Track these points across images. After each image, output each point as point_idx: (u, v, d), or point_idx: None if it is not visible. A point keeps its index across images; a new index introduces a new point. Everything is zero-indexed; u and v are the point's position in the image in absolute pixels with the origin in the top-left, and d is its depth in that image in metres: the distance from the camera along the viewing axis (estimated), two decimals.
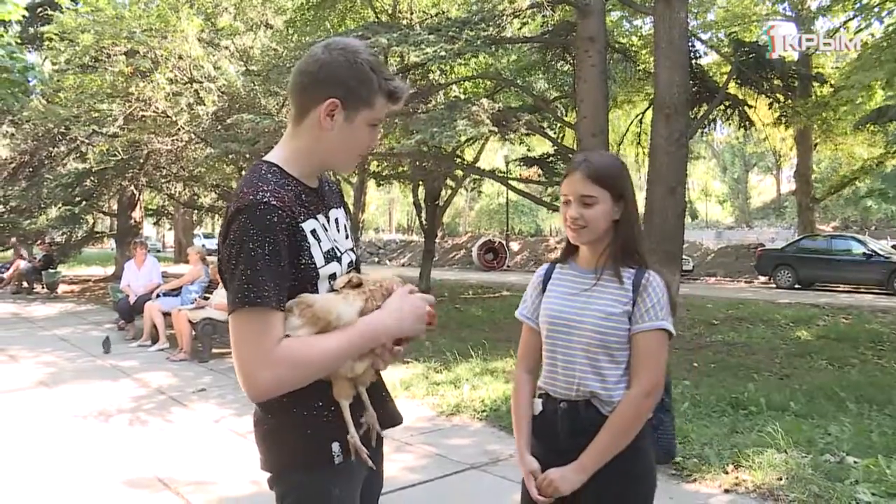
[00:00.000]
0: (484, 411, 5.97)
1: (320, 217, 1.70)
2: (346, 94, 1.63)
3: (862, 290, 18.93)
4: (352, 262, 1.81)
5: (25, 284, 17.84)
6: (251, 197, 1.54)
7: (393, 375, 7.29)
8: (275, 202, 1.54)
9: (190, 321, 8.85)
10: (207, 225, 44.07)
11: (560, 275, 2.20)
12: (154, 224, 39.09)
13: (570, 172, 2.09)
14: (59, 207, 18.54)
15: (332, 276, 1.68)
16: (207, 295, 9.66)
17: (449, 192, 18.08)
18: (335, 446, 1.67)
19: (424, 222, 17.31)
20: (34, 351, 9.34)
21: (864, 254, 18.92)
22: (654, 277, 2.05)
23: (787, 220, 47.70)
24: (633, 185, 2.18)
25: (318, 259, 1.64)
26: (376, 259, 36.76)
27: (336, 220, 1.79)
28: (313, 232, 1.64)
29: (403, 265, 33.66)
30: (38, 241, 18.70)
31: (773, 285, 20.47)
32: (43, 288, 17.85)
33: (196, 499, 4.14)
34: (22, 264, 18.05)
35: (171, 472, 4.57)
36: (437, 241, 22.06)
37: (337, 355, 1.60)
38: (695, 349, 9.28)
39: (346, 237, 1.83)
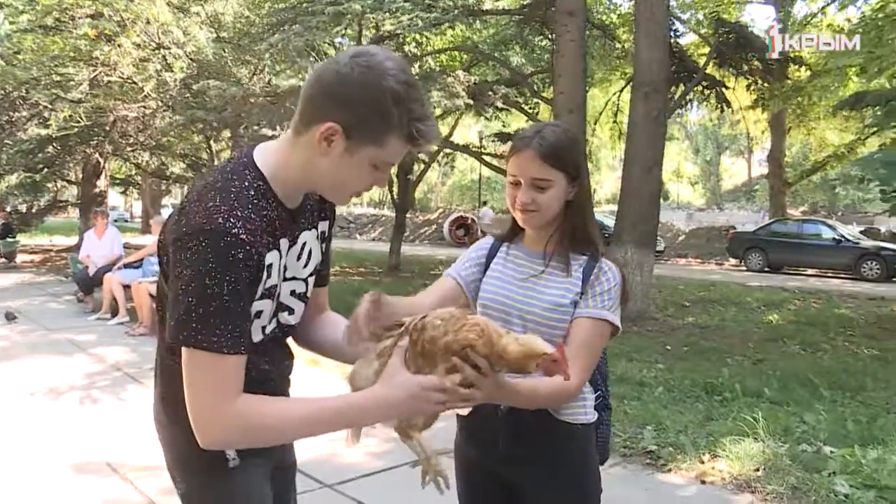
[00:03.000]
0: None
1: (283, 243, 1.48)
2: (351, 123, 1.37)
3: (829, 274, 19.08)
4: (302, 293, 1.62)
5: None
6: (219, 220, 1.32)
7: None
8: (244, 236, 1.33)
9: (151, 294, 8.53)
10: (176, 195, 43.27)
11: (506, 255, 1.96)
12: (122, 193, 38.29)
13: (520, 149, 1.80)
14: (20, 174, 17.92)
15: (258, 314, 1.47)
16: None
17: (422, 166, 17.83)
18: (230, 450, 1.52)
19: (396, 197, 17.05)
20: None
21: (834, 239, 19.07)
22: (609, 267, 1.83)
23: (757, 203, 48.13)
24: (587, 161, 1.96)
25: (258, 295, 1.45)
26: (347, 233, 36.41)
27: (303, 245, 1.56)
28: (269, 266, 1.43)
29: (374, 239, 33.37)
30: None
31: (744, 268, 20.57)
32: (0, 257, 17.29)
33: (145, 485, 3.90)
34: None
35: (120, 455, 4.33)
36: (408, 215, 21.81)
37: (301, 428, 1.43)
38: (667, 331, 9.18)
39: (306, 265, 1.60)
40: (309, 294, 1.65)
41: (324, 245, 1.68)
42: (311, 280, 1.64)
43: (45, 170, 17.79)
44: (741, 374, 6.46)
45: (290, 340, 1.70)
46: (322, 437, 1.58)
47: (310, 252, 1.60)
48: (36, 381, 6.11)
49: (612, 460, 4.37)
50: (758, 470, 4.11)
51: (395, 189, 17.13)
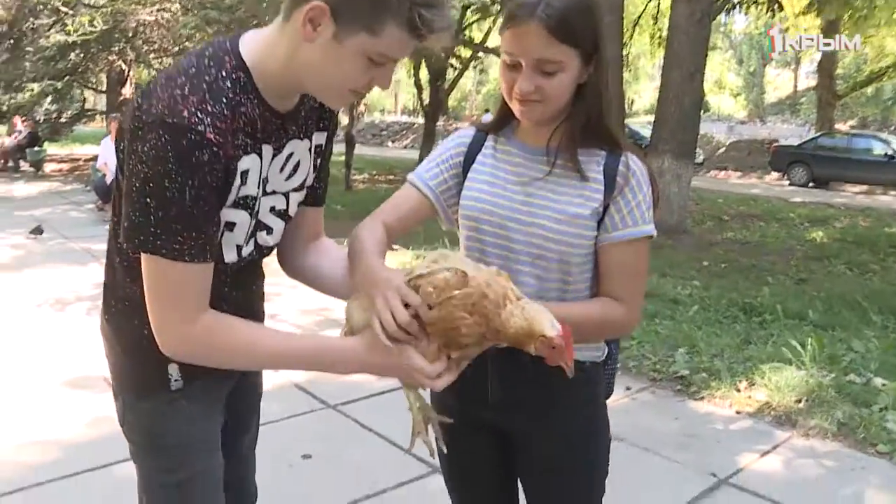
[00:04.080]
0: None
1: (266, 149, 1.27)
2: (340, 3, 1.13)
3: (878, 191, 18.21)
4: (282, 210, 1.38)
5: (11, 164, 17.19)
6: (184, 113, 1.11)
7: None
8: (211, 135, 1.12)
9: None
10: None
11: (495, 151, 1.52)
12: None
13: (519, 21, 1.33)
14: (43, 82, 17.66)
15: (230, 226, 1.27)
16: None
17: (454, 73, 17.26)
18: (172, 368, 1.34)
19: (426, 103, 16.57)
20: (5, 232, 8.85)
21: (886, 154, 18.10)
22: (637, 165, 1.42)
23: (802, 116, 46.29)
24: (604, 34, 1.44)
25: (230, 202, 1.25)
26: (378, 141, 36.04)
27: (289, 156, 1.34)
28: (245, 173, 1.23)
29: (406, 147, 32.90)
30: (24, 119, 17.89)
31: (786, 182, 19.75)
32: (29, 166, 17.22)
33: None
34: (7, 142, 17.35)
35: None
36: (440, 123, 21.25)
37: (269, 361, 1.35)
38: (704, 247, 8.75)
39: (289, 178, 1.36)
40: (290, 212, 1.41)
41: (318, 160, 1.45)
42: (294, 196, 1.40)
43: (68, 77, 17.45)
44: (782, 295, 6.03)
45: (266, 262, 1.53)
46: None
47: (297, 164, 1.36)
48: (45, 291, 5.93)
49: (639, 384, 4.07)
50: (800, 401, 3.76)
51: (424, 96, 16.68)
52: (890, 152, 18.10)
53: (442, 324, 1.20)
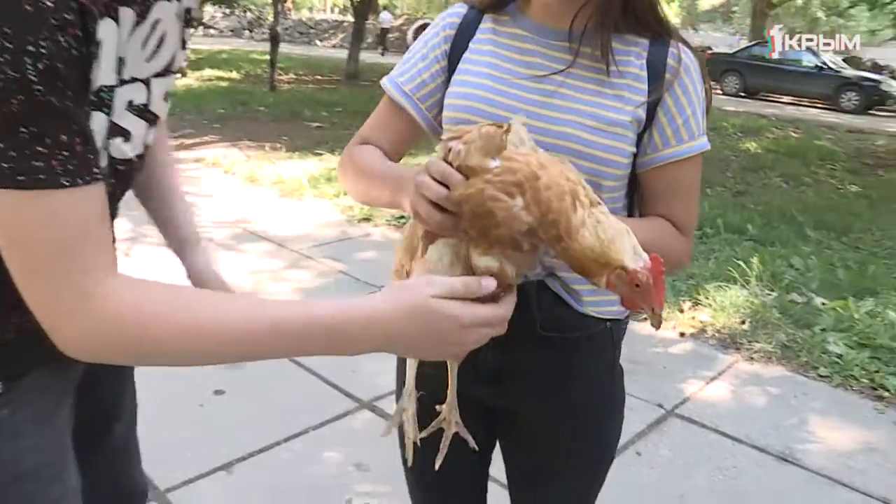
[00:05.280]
0: (403, 217, 5.14)
1: (126, 14, 0.74)
2: None
3: (805, 103, 18.39)
4: (142, 105, 0.84)
5: None
6: None
7: (301, 168, 6.38)
8: None
9: None
10: None
11: (495, 35, 1.11)
12: None
13: None
14: None
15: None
16: None
17: None
18: None
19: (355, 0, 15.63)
20: None
21: (816, 66, 18.18)
22: (687, 55, 1.05)
23: (734, 25, 46.40)
24: None
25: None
26: (306, 39, 34.39)
27: (155, 24, 0.81)
28: (99, 45, 0.70)
29: (335, 46, 31.55)
30: None
31: (719, 91, 19.73)
32: None
33: None
34: None
35: None
36: (370, 22, 20.24)
37: (225, 345, 0.74)
38: None
39: (151, 57, 0.83)
40: (154, 108, 0.88)
41: (187, 31, 0.93)
42: (158, 84, 0.88)
43: None
44: (722, 208, 5.91)
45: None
46: None
47: (162, 37, 0.84)
48: None
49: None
50: (744, 323, 3.64)
51: None
52: (819, 63, 18.19)
53: (469, 205, 0.81)
